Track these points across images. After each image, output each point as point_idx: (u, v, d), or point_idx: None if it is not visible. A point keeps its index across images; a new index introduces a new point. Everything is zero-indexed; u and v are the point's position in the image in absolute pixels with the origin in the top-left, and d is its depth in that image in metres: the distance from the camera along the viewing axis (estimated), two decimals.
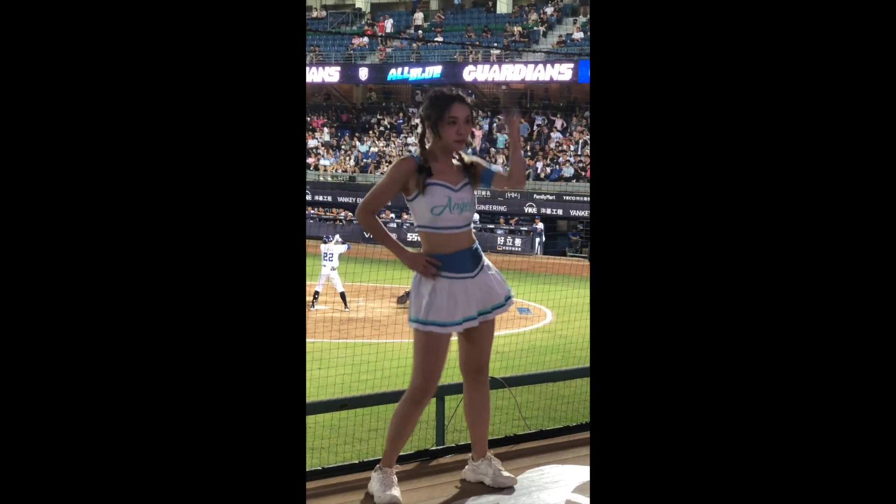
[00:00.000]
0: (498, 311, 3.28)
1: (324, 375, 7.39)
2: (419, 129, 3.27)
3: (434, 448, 3.95)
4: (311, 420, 5.85)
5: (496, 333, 3.41)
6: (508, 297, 3.31)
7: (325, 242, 15.69)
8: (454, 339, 3.36)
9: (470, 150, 3.40)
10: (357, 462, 3.72)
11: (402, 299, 16.29)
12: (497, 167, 3.38)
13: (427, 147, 3.23)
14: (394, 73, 32.80)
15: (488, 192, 26.67)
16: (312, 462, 5.31)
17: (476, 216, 3.37)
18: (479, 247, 3.30)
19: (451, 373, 3.58)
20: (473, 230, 3.33)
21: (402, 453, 3.73)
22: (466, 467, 3.43)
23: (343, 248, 15.64)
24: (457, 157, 3.25)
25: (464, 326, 3.20)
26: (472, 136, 3.53)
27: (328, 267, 15.45)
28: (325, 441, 6.65)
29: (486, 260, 3.32)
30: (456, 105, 3.16)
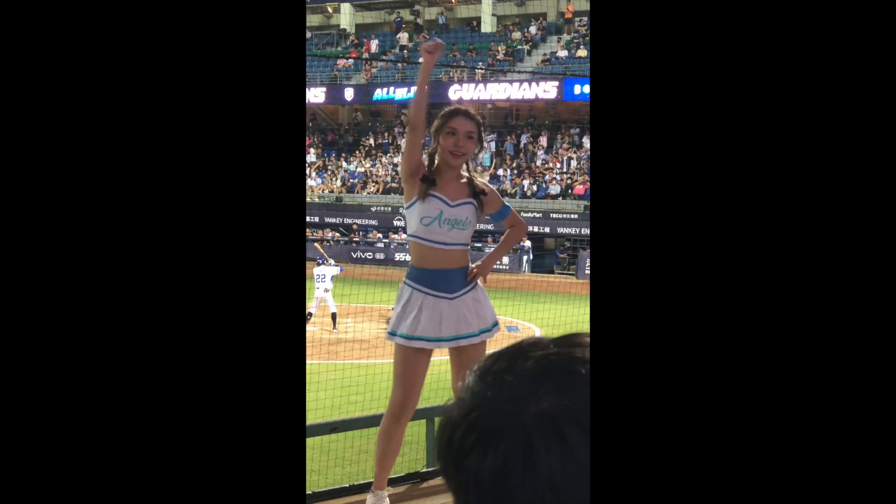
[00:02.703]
0: (467, 341, 3.24)
1: (313, 398, 7.35)
2: (433, 144, 3.30)
3: (425, 470, 3.93)
4: None
5: (486, 352, 3.39)
6: (483, 331, 3.27)
7: (318, 265, 15.68)
8: (443, 357, 3.34)
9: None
10: (348, 486, 3.69)
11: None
12: (507, 208, 3.41)
13: (436, 162, 3.25)
14: (379, 94, 32.87)
15: None
16: None
17: (471, 232, 3.37)
18: (466, 272, 3.28)
19: (442, 394, 3.56)
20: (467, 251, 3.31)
21: (392, 476, 3.71)
22: None
23: (336, 269, 15.65)
24: (466, 177, 3.26)
25: (430, 345, 3.18)
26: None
27: (321, 289, 15.45)
28: (314, 464, 6.60)
29: (479, 287, 3.29)
30: (459, 118, 3.19)
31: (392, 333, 3.20)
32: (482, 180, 3.33)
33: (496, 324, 3.30)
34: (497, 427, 0.71)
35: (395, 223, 28.16)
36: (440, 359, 3.29)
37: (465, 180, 3.26)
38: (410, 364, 3.19)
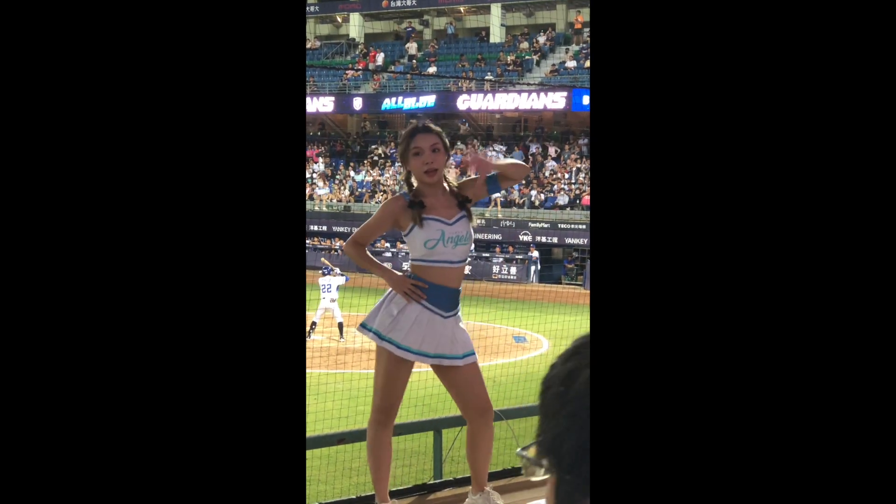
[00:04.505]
0: (448, 361, 3.22)
1: (321, 409, 7.35)
2: (405, 169, 3.29)
3: (432, 482, 3.93)
4: (308, 454, 5.80)
5: (491, 363, 3.41)
6: (465, 355, 3.24)
7: (324, 275, 15.67)
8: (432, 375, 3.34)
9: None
10: (355, 497, 3.69)
11: None
12: (500, 161, 3.39)
13: (415, 184, 3.25)
14: (388, 103, 32.89)
15: (483, 221, 26.68)
16: (309, 497, 5.26)
17: (472, 246, 3.37)
18: (460, 293, 3.29)
19: (448, 405, 3.56)
20: (466, 268, 3.33)
21: (399, 487, 3.71)
22: (466, 500, 3.41)
23: (342, 279, 15.64)
24: (449, 188, 3.26)
25: (416, 359, 3.18)
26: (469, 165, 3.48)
27: (327, 299, 15.43)
28: (321, 473, 6.60)
29: (459, 312, 3.29)
30: (418, 136, 3.17)
31: (381, 337, 3.18)
32: (456, 183, 3.29)
33: (473, 352, 3.28)
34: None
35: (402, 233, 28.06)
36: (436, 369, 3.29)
37: (448, 191, 3.26)
38: (393, 369, 3.19)
